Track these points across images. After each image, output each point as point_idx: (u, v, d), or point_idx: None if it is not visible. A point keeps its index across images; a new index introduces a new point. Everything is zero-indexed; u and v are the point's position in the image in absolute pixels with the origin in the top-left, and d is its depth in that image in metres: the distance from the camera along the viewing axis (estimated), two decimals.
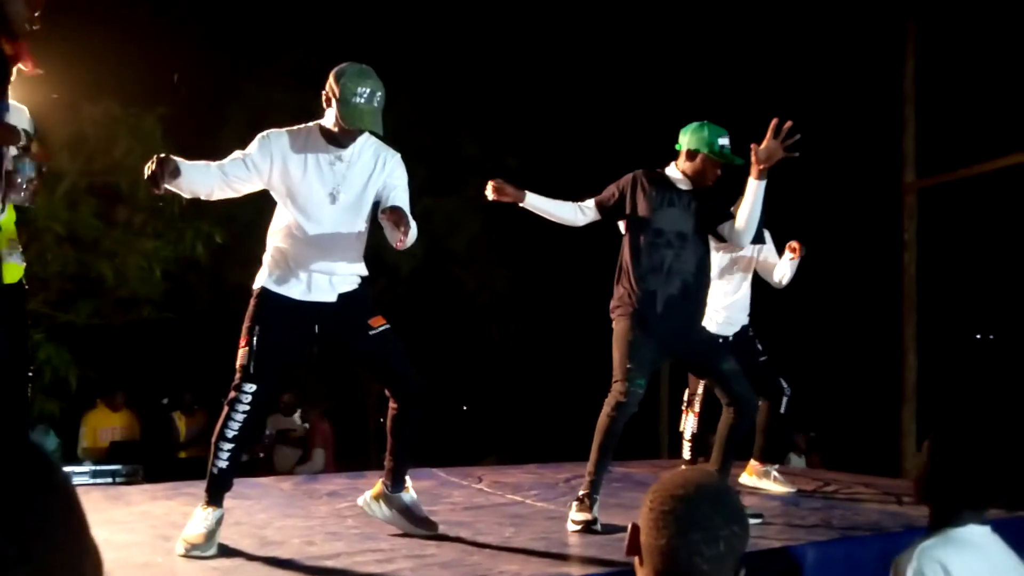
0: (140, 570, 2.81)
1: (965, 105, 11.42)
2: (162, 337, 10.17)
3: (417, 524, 3.33)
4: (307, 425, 8.04)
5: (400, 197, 3.23)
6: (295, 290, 3.18)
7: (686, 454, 5.03)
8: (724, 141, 3.78)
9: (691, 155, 3.81)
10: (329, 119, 3.16)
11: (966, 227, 13.32)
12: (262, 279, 3.22)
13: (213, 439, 3.12)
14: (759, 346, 4.91)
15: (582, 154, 11.33)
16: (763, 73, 11.08)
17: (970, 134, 10.73)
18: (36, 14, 2.69)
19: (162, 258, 7.85)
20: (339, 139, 3.16)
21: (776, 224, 4.72)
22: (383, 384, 3.34)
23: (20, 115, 2.83)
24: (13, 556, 0.71)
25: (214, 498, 3.10)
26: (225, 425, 3.09)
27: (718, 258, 4.68)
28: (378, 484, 3.40)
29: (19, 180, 2.70)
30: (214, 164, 3.11)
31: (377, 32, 10.60)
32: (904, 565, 2.02)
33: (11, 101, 2.76)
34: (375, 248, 3.51)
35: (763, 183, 3.63)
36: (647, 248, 3.74)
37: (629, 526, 1.52)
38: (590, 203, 3.90)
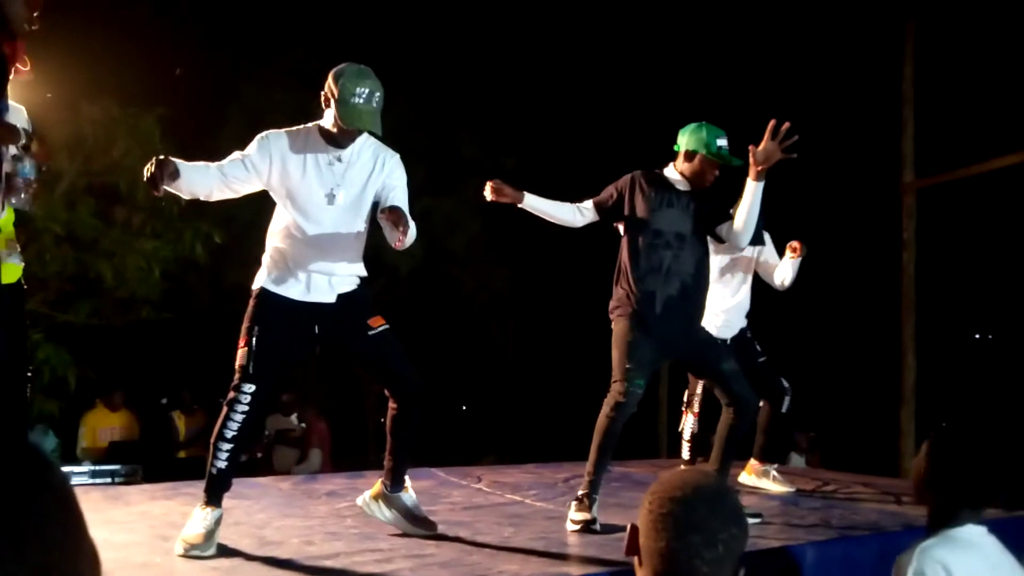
0: (139, 570, 2.81)
1: (964, 105, 11.42)
2: (161, 337, 10.17)
3: (416, 524, 3.34)
4: (304, 425, 8.04)
5: (399, 197, 3.23)
6: (294, 290, 3.18)
7: (685, 454, 5.03)
8: (722, 142, 3.78)
9: (689, 156, 3.81)
10: (328, 119, 3.16)
11: (965, 227, 13.32)
12: (261, 279, 3.22)
13: (212, 439, 3.12)
14: (758, 347, 4.92)
15: (581, 155, 11.34)
16: (762, 73, 11.08)
17: (969, 134, 10.73)
18: (35, 14, 2.69)
19: (161, 258, 7.84)
20: (338, 139, 3.16)
21: (775, 224, 4.73)
22: (382, 384, 3.34)
23: (18, 115, 2.83)
24: (9, 556, 0.71)
25: (213, 498, 3.10)
26: (224, 425, 3.09)
27: (717, 261, 4.69)
28: (377, 484, 3.40)
29: (19, 183, 2.70)
30: (213, 165, 3.11)
31: (376, 32, 10.60)
32: (905, 565, 2.03)
33: (9, 101, 2.76)
34: (374, 248, 3.51)
35: (761, 184, 3.63)
36: (646, 249, 3.74)
37: (628, 527, 1.52)
38: (588, 204, 3.91)
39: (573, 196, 3.96)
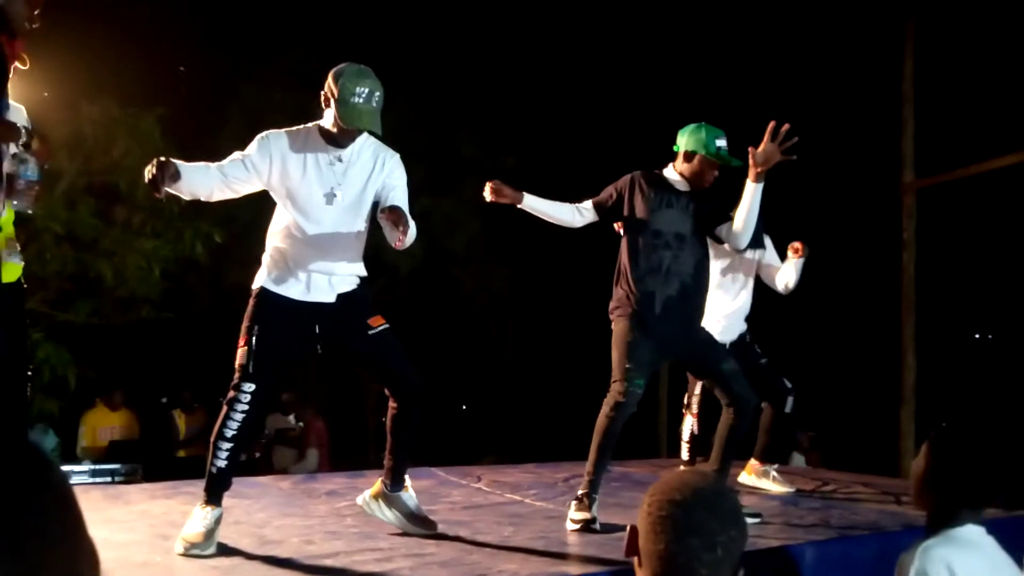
0: (139, 569, 2.81)
1: (964, 105, 11.42)
2: (161, 336, 10.17)
3: (416, 523, 3.34)
4: (301, 424, 8.04)
5: (399, 197, 3.23)
6: (294, 290, 3.18)
7: (684, 455, 5.03)
8: (721, 142, 3.79)
9: (688, 156, 3.81)
10: (328, 119, 3.16)
11: (965, 227, 13.32)
12: (261, 279, 3.22)
13: (212, 438, 3.12)
14: (758, 349, 4.92)
15: (581, 155, 11.34)
16: (762, 74, 11.08)
17: (969, 134, 10.73)
18: (36, 12, 2.69)
19: (161, 258, 7.85)
20: (338, 139, 3.16)
21: (776, 225, 4.73)
22: (383, 384, 3.34)
23: (18, 114, 2.83)
24: (8, 555, 0.72)
25: (213, 497, 3.10)
26: (224, 424, 3.09)
27: (718, 266, 4.70)
28: (377, 483, 3.40)
29: (21, 184, 2.70)
30: (213, 165, 3.12)
31: (376, 32, 10.60)
32: (908, 565, 2.03)
33: (10, 100, 2.76)
34: (374, 248, 3.51)
35: (760, 186, 3.64)
36: (645, 249, 3.75)
37: (628, 528, 1.53)
38: (588, 204, 3.91)
39: (573, 196, 3.97)
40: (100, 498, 4.07)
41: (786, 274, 4.83)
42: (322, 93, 3.17)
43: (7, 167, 2.69)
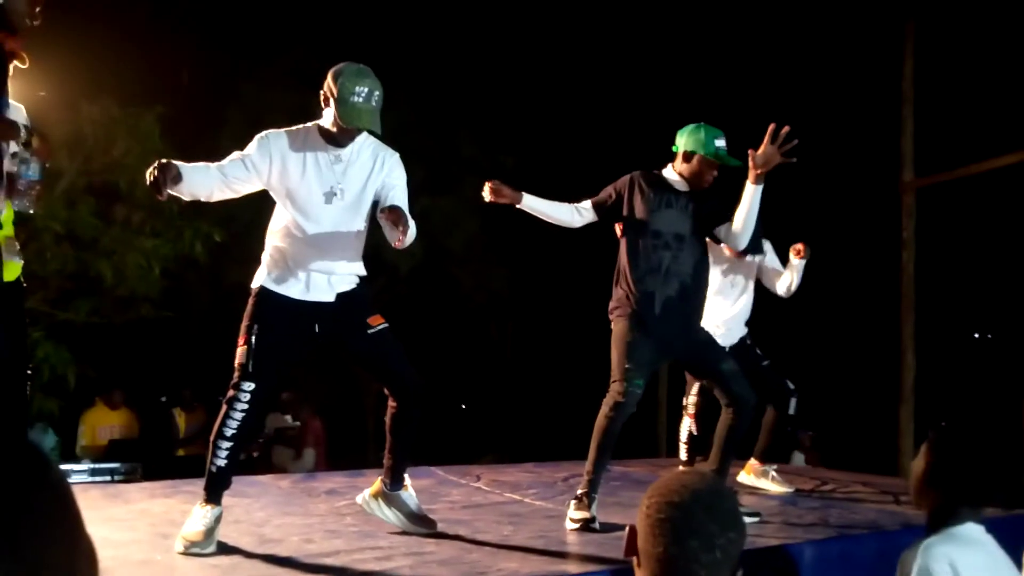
0: (139, 568, 2.81)
1: (964, 104, 11.43)
2: (161, 335, 10.18)
3: (416, 522, 3.34)
4: (299, 424, 8.05)
5: (399, 196, 3.23)
6: (294, 289, 3.19)
7: (683, 455, 5.03)
8: (720, 143, 3.79)
9: (687, 157, 3.81)
10: (327, 119, 3.16)
11: (965, 226, 13.33)
12: (261, 278, 3.22)
13: (212, 437, 3.13)
14: (758, 351, 4.92)
15: (580, 155, 11.34)
16: (762, 73, 11.08)
17: (969, 133, 10.74)
18: (37, 9, 2.68)
19: (161, 256, 7.85)
20: (338, 139, 3.16)
21: (775, 225, 4.73)
22: (382, 383, 3.35)
23: (17, 113, 2.83)
24: (5, 554, 0.72)
25: (213, 496, 3.10)
26: (224, 423, 3.09)
27: (718, 271, 4.71)
28: (377, 482, 3.40)
29: (22, 184, 2.69)
30: (213, 165, 3.11)
31: (376, 32, 10.60)
32: (910, 562, 2.04)
33: (9, 99, 2.76)
34: (374, 247, 3.52)
35: (760, 188, 3.64)
36: (645, 250, 3.75)
37: (627, 528, 1.53)
38: (587, 204, 3.91)
39: (572, 196, 3.97)
40: (100, 497, 4.07)
41: (788, 276, 4.83)
42: (321, 92, 3.16)
43: (8, 166, 2.69)
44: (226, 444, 3.10)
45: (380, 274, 9.67)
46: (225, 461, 3.11)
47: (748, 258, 4.81)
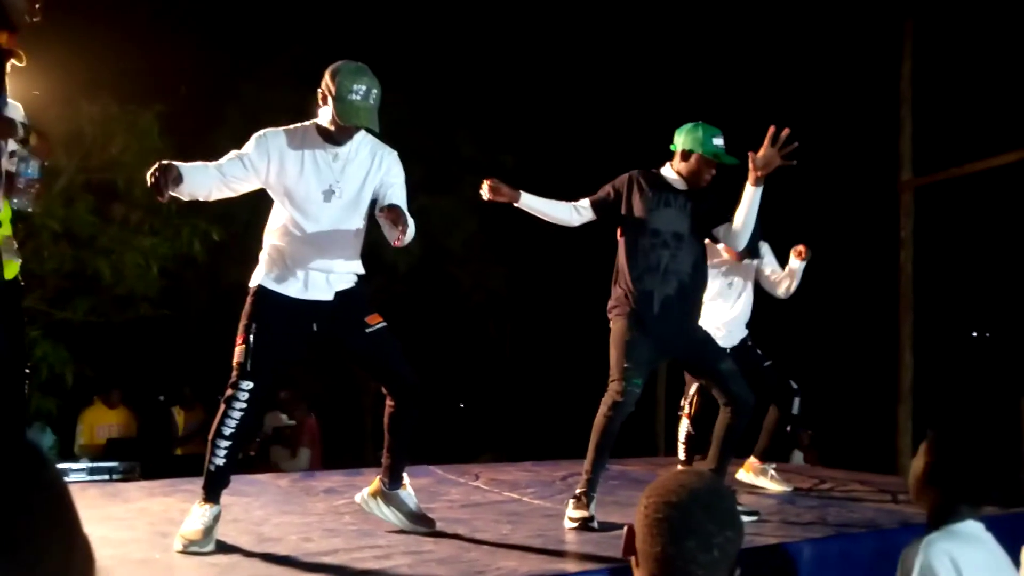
0: (138, 567, 2.81)
1: (962, 104, 11.44)
2: (159, 334, 10.18)
3: (414, 521, 3.34)
4: (293, 423, 8.04)
5: (397, 195, 3.23)
6: (292, 288, 3.18)
7: (681, 455, 5.03)
8: (718, 141, 3.79)
9: (685, 155, 3.82)
10: (325, 117, 3.16)
11: (963, 225, 13.35)
12: (259, 277, 3.22)
13: (210, 436, 3.12)
14: (759, 352, 4.92)
15: (579, 154, 11.34)
16: (760, 72, 11.09)
17: (967, 133, 10.75)
18: (37, 6, 2.67)
19: (159, 255, 7.84)
20: (336, 137, 3.16)
21: (774, 225, 4.73)
22: (380, 382, 3.35)
23: (15, 111, 2.82)
24: (1, 552, 0.72)
25: (211, 495, 3.10)
26: (222, 422, 3.09)
27: (717, 274, 4.71)
28: (375, 481, 3.40)
29: (22, 183, 2.69)
30: (211, 164, 3.11)
31: (375, 31, 10.60)
32: (911, 559, 2.05)
33: (7, 97, 2.75)
34: (372, 246, 3.52)
35: (759, 190, 3.63)
36: (643, 249, 3.75)
37: (625, 528, 1.53)
38: (585, 203, 3.90)
39: (571, 195, 3.97)
40: (98, 496, 4.07)
41: (786, 278, 4.84)
42: (319, 91, 3.16)
43: (6, 165, 2.68)
44: (225, 443, 3.09)
45: (378, 273, 9.66)
46: (224, 460, 3.11)
47: (745, 261, 4.82)
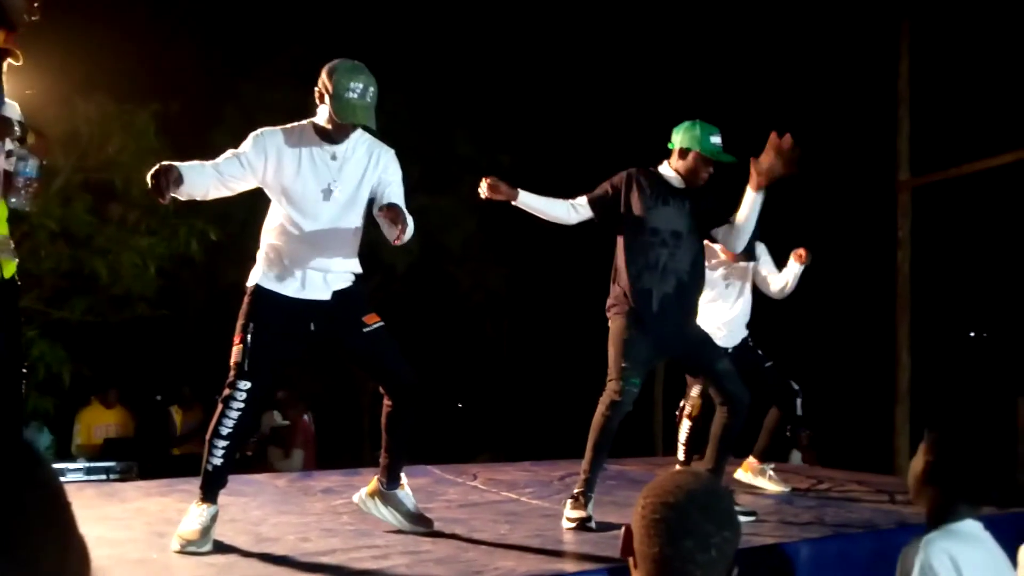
0: (135, 567, 2.81)
1: (959, 104, 11.45)
2: (156, 334, 10.17)
3: (412, 521, 3.34)
4: (288, 423, 8.04)
5: (395, 193, 3.22)
6: (289, 287, 3.18)
7: (680, 456, 5.03)
8: (716, 139, 3.78)
9: (683, 153, 3.81)
10: (322, 115, 3.15)
11: (960, 225, 13.36)
12: (256, 276, 3.21)
13: (208, 436, 3.12)
14: (760, 352, 4.92)
15: (576, 152, 11.35)
16: (758, 72, 11.10)
17: (964, 133, 10.76)
18: (36, 5, 2.66)
19: (156, 255, 7.84)
20: (333, 135, 3.15)
21: (772, 225, 4.73)
22: (378, 382, 3.34)
23: (12, 110, 2.82)
24: None
25: (209, 495, 3.10)
26: (220, 422, 3.08)
27: (715, 275, 4.71)
28: (373, 481, 3.40)
29: (20, 182, 2.68)
30: (208, 163, 3.10)
31: (373, 31, 10.60)
32: (911, 558, 2.05)
33: (4, 97, 2.74)
34: (370, 245, 3.51)
35: (760, 196, 3.63)
36: (642, 247, 3.75)
37: (623, 528, 1.53)
38: (583, 201, 3.90)
39: (569, 194, 3.96)
40: (95, 496, 4.06)
41: (784, 277, 4.84)
42: (316, 89, 3.15)
43: (4, 164, 2.68)
44: (222, 443, 3.09)
45: (376, 272, 9.67)
46: (221, 460, 3.10)
47: (741, 262, 4.82)
